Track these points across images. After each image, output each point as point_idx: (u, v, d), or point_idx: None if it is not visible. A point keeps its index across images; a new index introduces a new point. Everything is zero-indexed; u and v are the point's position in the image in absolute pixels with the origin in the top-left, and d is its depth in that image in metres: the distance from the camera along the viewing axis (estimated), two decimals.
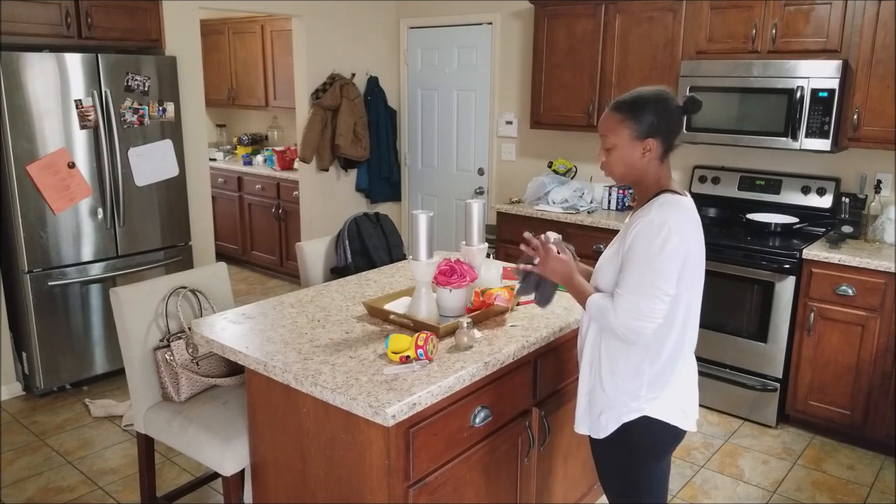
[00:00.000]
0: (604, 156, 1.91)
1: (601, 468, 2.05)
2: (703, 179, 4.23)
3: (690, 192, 4.30)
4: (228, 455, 2.32)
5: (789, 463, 3.35)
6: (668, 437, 1.92)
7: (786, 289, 3.49)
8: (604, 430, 1.93)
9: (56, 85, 3.69)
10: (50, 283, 3.82)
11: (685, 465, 3.30)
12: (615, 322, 1.79)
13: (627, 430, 1.89)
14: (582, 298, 1.91)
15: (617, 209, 4.41)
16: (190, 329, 2.40)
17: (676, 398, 1.90)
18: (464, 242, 2.57)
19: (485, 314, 2.33)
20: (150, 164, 4.11)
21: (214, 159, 6.67)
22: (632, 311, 1.76)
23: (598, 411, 1.94)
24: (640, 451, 1.92)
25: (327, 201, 5.55)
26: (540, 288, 2.06)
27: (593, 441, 2.01)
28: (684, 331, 1.87)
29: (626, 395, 1.87)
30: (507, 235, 4.57)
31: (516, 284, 2.11)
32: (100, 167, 3.91)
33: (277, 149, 6.24)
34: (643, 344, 1.82)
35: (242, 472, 2.37)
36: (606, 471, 2.03)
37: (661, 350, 1.85)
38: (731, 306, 3.68)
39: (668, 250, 1.75)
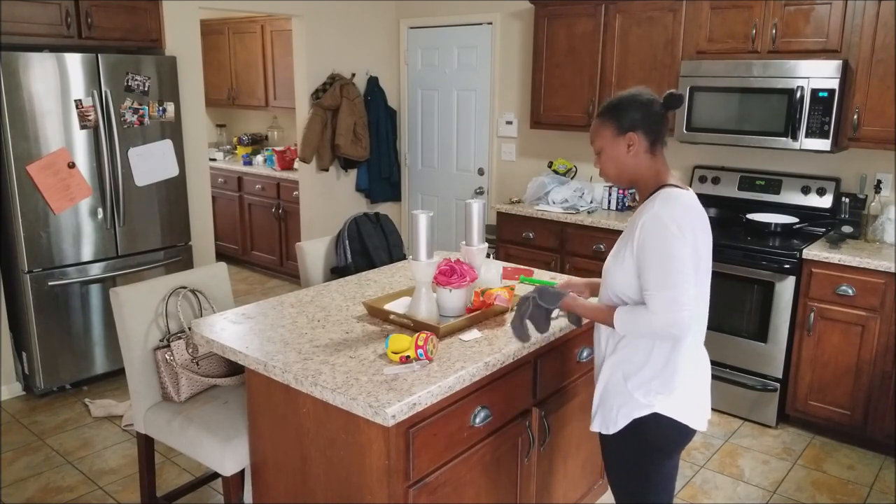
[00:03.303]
0: (597, 162, 2.00)
1: (609, 464, 2.06)
2: (703, 179, 4.23)
3: None
4: (228, 455, 2.32)
5: (789, 463, 3.35)
6: (678, 434, 1.93)
7: (786, 289, 3.49)
8: (614, 424, 1.94)
9: (56, 85, 3.69)
10: (50, 283, 3.82)
11: (685, 465, 3.30)
12: (657, 323, 1.78)
13: (637, 426, 1.90)
14: (604, 316, 1.91)
15: (617, 209, 4.41)
16: (190, 329, 2.40)
17: (687, 396, 1.90)
18: (464, 242, 2.57)
19: (485, 314, 2.33)
20: (150, 164, 4.11)
21: (214, 159, 6.67)
22: (670, 305, 1.76)
23: (609, 406, 1.95)
24: (649, 447, 1.93)
25: (327, 201, 5.55)
26: (531, 319, 2.05)
27: (603, 437, 2.02)
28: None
29: (638, 390, 1.88)
30: (507, 235, 4.57)
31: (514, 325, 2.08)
32: (100, 167, 3.91)
33: (277, 149, 6.24)
34: (685, 335, 1.81)
35: (242, 472, 2.37)
36: (614, 467, 2.04)
37: (669, 344, 1.86)
38: (731, 306, 3.68)
39: (678, 237, 1.77)
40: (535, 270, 2.94)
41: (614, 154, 1.92)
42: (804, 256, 3.44)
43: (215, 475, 2.82)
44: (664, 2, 3.99)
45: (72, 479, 3.16)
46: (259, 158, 6.55)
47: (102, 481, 3.15)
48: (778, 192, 3.97)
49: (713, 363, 3.72)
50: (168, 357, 2.49)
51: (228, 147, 7.12)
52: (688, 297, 1.76)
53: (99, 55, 3.82)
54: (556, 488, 2.55)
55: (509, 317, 2.40)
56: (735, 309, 3.66)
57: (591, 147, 1.99)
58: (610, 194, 4.43)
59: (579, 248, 4.23)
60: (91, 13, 3.82)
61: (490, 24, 5.14)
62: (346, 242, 3.19)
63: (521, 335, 2.07)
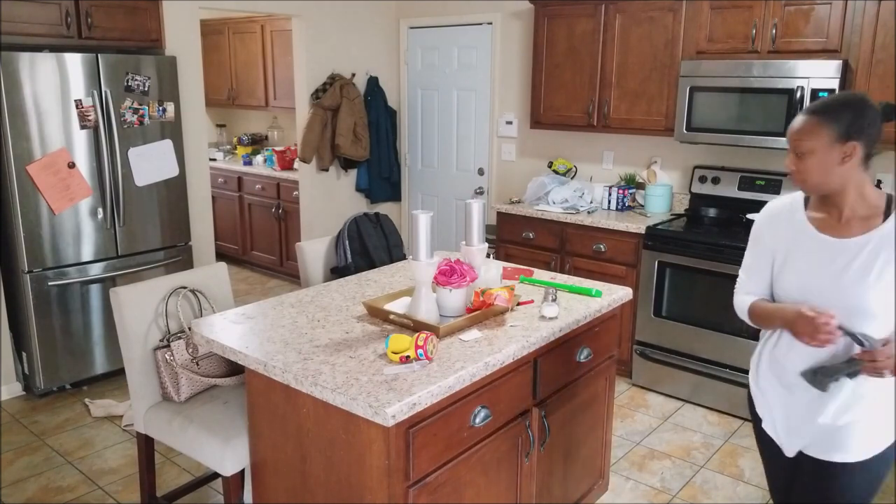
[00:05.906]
0: (794, 163, 1.79)
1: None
2: (703, 179, 4.23)
3: (690, 191, 4.30)
4: (228, 455, 2.32)
5: None
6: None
7: None
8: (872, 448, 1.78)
9: (56, 85, 3.69)
10: (50, 283, 3.82)
11: (685, 465, 3.30)
12: None
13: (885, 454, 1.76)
14: None
15: (617, 209, 4.41)
16: (190, 329, 2.40)
17: None
18: (464, 242, 2.57)
19: (485, 314, 2.33)
20: (150, 164, 4.11)
21: (214, 159, 6.67)
22: None
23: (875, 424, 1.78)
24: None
25: (327, 201, 5.55)
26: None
27: (849, 467, 1.78)
28: None
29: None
30: (507, 235, 4.57)
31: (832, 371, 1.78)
32: (100, 167, 3.91)
33: (277, 149, 6.24)
34: None
35: (242, 472, 2.37)
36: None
37: None
38: (731, 306, 3.66)
39: None
40: (535, 270, 2.94)
41: (825, 161, 1.72)
42: None
43: (215, 475, 2.82)
44: (664, 2, 3.99)
45: (72, 479, 3.16)
46: (259, 158, 6.55)
47: (102, 481, 3.15)
48: (778, 192, 3.97)
49: (713, 363, 3.75)
50: (168, 357, 2.49)
51: (228, 147, 7.12)
52: None
53: (99, 55, 3.82)
54: (556, 488, 2.54)
55: (510, 317, 2.40)
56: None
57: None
58: (610, 194, 4.42)
59: (579, 249, 4.23)
60: (91, 13, 3.82)
61: (490, 24, 5.14)
62: (346, 242, 3.19)
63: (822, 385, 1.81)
